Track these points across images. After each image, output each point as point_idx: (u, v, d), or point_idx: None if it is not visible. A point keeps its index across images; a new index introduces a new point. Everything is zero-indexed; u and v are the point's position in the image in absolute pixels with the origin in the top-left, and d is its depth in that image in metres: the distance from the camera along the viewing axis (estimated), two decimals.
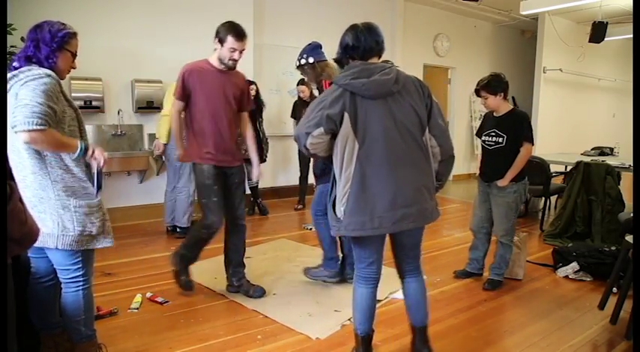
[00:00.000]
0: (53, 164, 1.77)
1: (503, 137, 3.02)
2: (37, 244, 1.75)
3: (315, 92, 5.16)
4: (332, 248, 3.13)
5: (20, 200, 1.03)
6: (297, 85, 5.22)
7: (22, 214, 1.02)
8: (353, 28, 1.97)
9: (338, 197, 1.91)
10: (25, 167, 1.75)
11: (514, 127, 2.99)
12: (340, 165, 1.87)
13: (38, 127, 1.62)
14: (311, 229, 4.65)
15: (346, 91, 1.85)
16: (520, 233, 3.51)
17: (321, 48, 3.00)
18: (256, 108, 4.93)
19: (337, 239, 3.11)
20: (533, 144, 3.01)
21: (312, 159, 5.30)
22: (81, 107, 4.20)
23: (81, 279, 1.92)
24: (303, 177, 5.52)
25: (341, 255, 3.19)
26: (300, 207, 5.56)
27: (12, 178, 1.09)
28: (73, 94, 4.16)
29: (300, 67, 2.96)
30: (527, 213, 5.41)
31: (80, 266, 1.90)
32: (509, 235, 3.12)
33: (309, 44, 2.99)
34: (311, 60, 2.88)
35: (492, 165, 3.11)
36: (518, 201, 3.09)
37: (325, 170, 2.94)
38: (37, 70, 1.71)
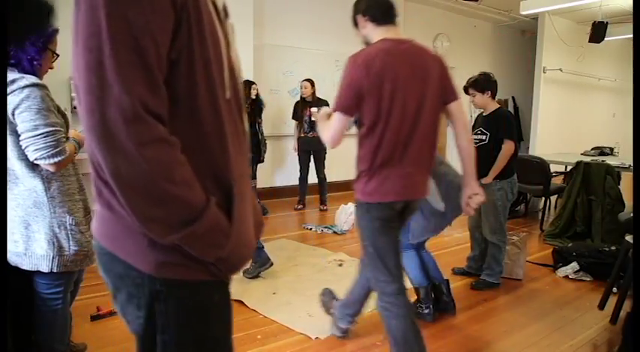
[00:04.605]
0: (50, 178, 1.68)
1: (487, 135, 3.08)
2: (28, 268, 1.69)
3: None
4: None
5: (229, 213, 0.85)
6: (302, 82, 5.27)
7: (223, 236, 0.83)
8: None
9: None
10: (17, 184, 1.65)
11: (496, 125, 3.04)
12: None
13: (64, 157, 1.60)
14: (311, 229, 4.65)
15: None
16: (520, 233, 3.51)
17: None
18: (256, 108, 4.95)
19: None
20: (514, 141, 3.04)
21: (314, 161, 5.36)
22: None
23: (61, 296, 1.81)
24: (303, 177, 5.53)
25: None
26: (299, 207, 5.57)
27: (223, 179, 0.87)
28: (73, 94, 4.16)
29: None
30: (527, 213, 5.41)
31: (63, 281, 1.79)
32: (497, 234, 3.12)
33: None
34: None
35: (477, 162, 3.14)
36: (503, 198, 3.10)
37: None
38: (21, 81, 1.56)
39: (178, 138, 0.78)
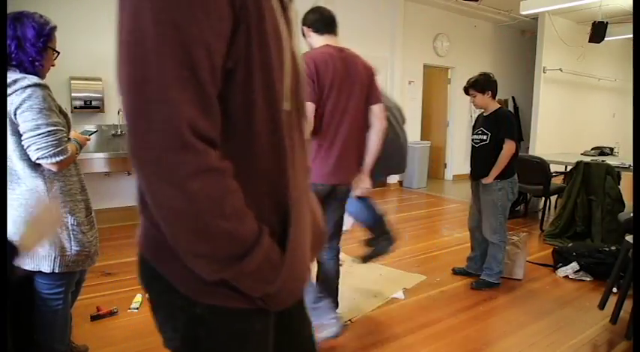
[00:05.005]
0: (52, 178, 1.68)
1: (488, 134, 3.08)
2: (29, 268, 1.68)
3: None
4: None
5: (285, 248, 0.77)
6: None
7: (273, 271, 0.75)
8: None
9: None
10: (19, 185, 1.65)
11: (497, 125, 3.04)
12: None
13: (66, 156, 1.61)
14: None
15: None
16: (520, 233, 3.52)
17: None
18: None
19: None
20: (514, 141, 3.03)
21: None
22: (81, 107, 4.25)
23: (62, 296, 1.81)
24: None
25: None
26: None
27: (280, 199, 0.79)
28: (73, 94, 4.16)
29: None
30: (527, 213, 5.41)
31: (64, 282, 1.79)
32: (497, 234, 3.11)
33: None
34: None
35: (478, 162, 3.17)
36: (504, 198, 3.08)
37: None
38: (23, 81, 1.57)
39: (231, 158, 0.70)
